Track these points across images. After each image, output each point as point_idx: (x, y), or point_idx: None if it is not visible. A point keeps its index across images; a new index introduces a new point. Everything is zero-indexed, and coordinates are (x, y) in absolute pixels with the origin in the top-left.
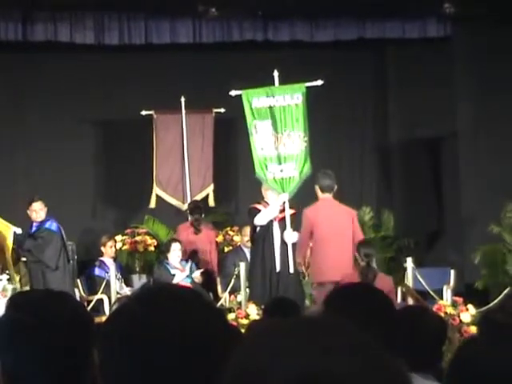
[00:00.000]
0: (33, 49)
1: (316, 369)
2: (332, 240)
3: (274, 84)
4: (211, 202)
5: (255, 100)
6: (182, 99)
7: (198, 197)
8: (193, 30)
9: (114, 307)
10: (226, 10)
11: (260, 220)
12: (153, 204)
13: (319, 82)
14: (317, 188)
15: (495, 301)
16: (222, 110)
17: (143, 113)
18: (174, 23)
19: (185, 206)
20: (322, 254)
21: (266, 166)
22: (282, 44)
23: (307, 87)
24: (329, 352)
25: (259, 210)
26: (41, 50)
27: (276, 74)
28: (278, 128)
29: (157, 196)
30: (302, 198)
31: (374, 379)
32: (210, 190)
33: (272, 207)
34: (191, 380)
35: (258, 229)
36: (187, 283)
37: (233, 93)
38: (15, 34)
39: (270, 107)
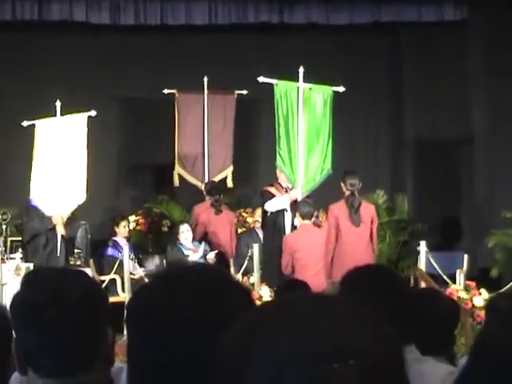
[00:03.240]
0: (48, 28)
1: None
2: (311, 267)
3: (297, 77)
4: (229, 184)
5: (285, 92)
6: (205, 79)
7: (218, 177)
8: (208, 11)
9: (138, 286)
10: None
11: (270, 207)
12: (176, 182)
13: (341, 89)
14: (298, 215)
15: (508, 285)
16: (245, 92)
17: (165, 91)
18: (190, 4)
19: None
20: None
21: (290, 159)
22: (297, 26)
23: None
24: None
25: (271, 194)
26: (56, 30)
27: (301, 70)
28: (303, 126)
29: (178, 175)
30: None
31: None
32: (229, 171)
33: (283, 198)
34: (214, 358)
35: (269, 213)
36: None
37: (261, 79)
38: (31, 14)
39: (298, 105)
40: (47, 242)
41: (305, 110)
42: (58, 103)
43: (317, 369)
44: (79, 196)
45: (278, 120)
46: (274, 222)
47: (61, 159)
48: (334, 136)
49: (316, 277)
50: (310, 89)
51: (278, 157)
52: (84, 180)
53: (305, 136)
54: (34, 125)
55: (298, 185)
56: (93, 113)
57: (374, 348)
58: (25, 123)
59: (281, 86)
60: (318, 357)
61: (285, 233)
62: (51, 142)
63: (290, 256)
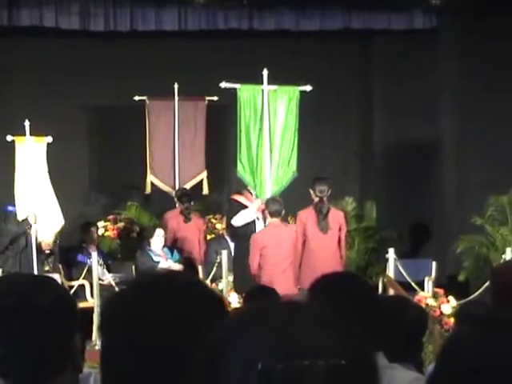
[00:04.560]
0: (18, 33)
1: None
2: (280, 264)
3: (262, 81)
4: (205, 190)
5: (249, 96)
6: (175, 86)
7: (190, 183)
8: (178, 17)
9: (110, 294)
10: None
11: (237, 222)
12: (148, 189)
13: (308, 88)
14: (266, 213)
15: (476, 293)
16: (215, 98)
17: (136, 98)
18: (160, 11)
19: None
20: (268, 278)
21: (251, 165)
22: (267, 33)
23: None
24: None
25: (238, 202)
26: (26, 35)
27: (265, 72)
28: (268, 129)
29: (150, 182)
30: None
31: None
32: (202, 176)
33: (249, 211)
34: (187, 365)
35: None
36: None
37: (223, 85)
38: (0, 19)
39: (262, 108)
40: (26, 246)
41: (270, 113)
42: (27, 123)
43: (287, 364)
44: (58, 220)
45: (239, 125)
46: (245, 232)
47: (34, 182)
48: (303, 143)
49: (284, 274)
50: (275, 91)
51: (238, 164)
52: (57, 204)
53: (271, 138)
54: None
55: (261, 190)
56: (49, 139)
57: (343, 349)
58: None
59: (244, 90)
60: (288, 353)
61: None
62: (24, 161)
63: (258, 253)
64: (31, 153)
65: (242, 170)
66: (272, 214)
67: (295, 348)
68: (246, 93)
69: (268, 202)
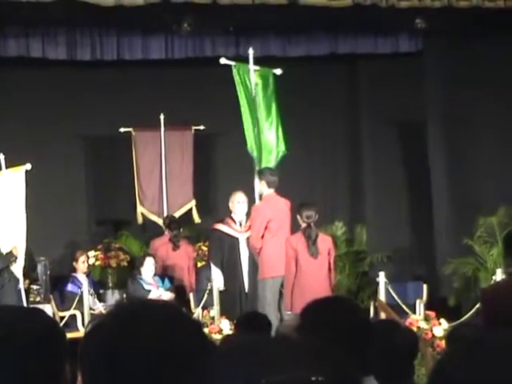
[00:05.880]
0: (5, 64)
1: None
2: (278, 235)
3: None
4: (196, 219)
5: (242, 75)
6: (161, 116)
7: (179, 213)
8: (165, 45)
9: (91, 324)
10: (198, 26)
11: (214, 271)
12: (139, 220)
13: (279, 71)
14: (263, 184)
15: (467, 315)
16: (202, 127)
17: (122, 130)
18: (146, 39)
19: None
20: (269, 250)
21: (258, 140)
22: (254, 59)
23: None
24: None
25: (219, 231)
26: (13, 66)
27: (251, 51)
28: (259, 111)
29: (141, 212)
30: None
31: None
32: (191, 205)
33: (220, 280)
34: None
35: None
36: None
37: (223, 61)
38: None
39: (250, 87)
40: (9, 279)
41: (256, 92)
42: (2, 156)
43: (269, 379)
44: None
45: (240, 104)
46: (229, 255)
47: (13, 214)
48: (291, 167)
49: (282, 248)
50: (258, 71)
51: (247, 140)
52: (24, 240)
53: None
54: None
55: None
56: (28, 166)
57: (321, 367)
58: None
59: (238, 68)
60: (271, 370)
61: (241, 262)
62: (2, 194)
63: (263, 225)
64: (8, 185)
65: (251, 147)
66: (270, 184)
67: (276, 366)
68: (240, 72)
69: (265, 173)
